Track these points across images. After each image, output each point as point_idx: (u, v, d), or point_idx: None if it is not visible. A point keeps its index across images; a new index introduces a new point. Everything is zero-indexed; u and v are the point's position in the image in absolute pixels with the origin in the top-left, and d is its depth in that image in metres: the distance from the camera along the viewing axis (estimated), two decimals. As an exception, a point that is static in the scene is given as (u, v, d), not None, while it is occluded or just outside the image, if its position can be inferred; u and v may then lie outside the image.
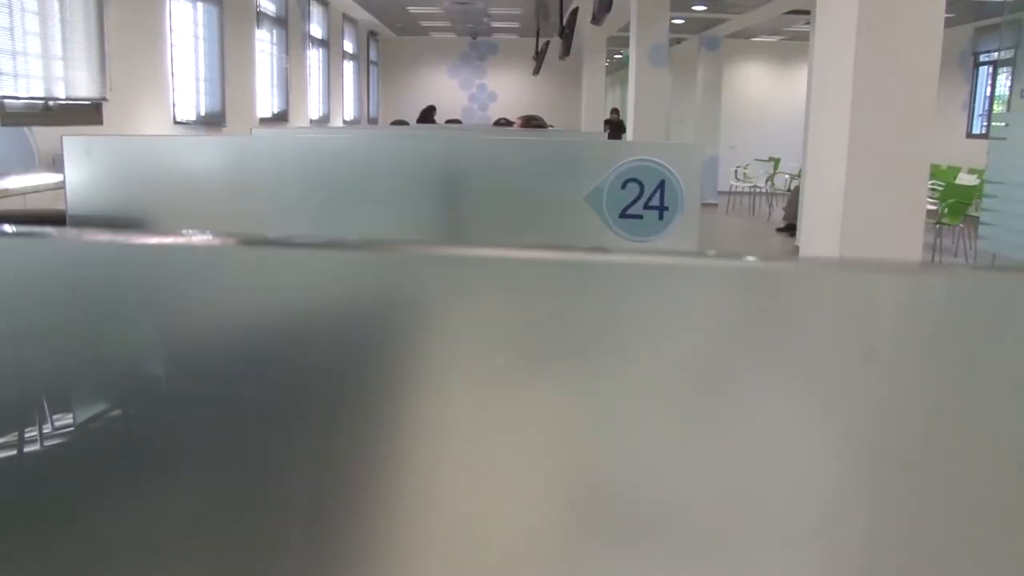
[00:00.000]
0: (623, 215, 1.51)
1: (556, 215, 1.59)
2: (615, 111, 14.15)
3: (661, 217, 1.49)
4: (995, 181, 5.67)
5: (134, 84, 6.09)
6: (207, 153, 1.87)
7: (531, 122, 5.88)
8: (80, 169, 1.85)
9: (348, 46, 13.87)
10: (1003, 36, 11.12)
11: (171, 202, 1.84)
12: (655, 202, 1.49)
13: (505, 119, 8.59)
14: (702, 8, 11.22)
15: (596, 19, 6.59)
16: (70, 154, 1.85)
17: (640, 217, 1.50)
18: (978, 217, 6.42)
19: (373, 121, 15.83)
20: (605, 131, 11.56)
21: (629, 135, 8.09)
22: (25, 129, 4.67)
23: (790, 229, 9.76)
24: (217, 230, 0.46)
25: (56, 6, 4.98)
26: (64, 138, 1.85)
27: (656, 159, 1.47)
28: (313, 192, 1.73)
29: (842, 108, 3.27)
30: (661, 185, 1.48)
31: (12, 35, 4.56)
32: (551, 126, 8.17)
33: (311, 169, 1.74)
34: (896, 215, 3.30)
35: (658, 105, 7.99)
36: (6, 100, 4.48)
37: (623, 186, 1.50)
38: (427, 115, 11.42)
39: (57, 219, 1.92)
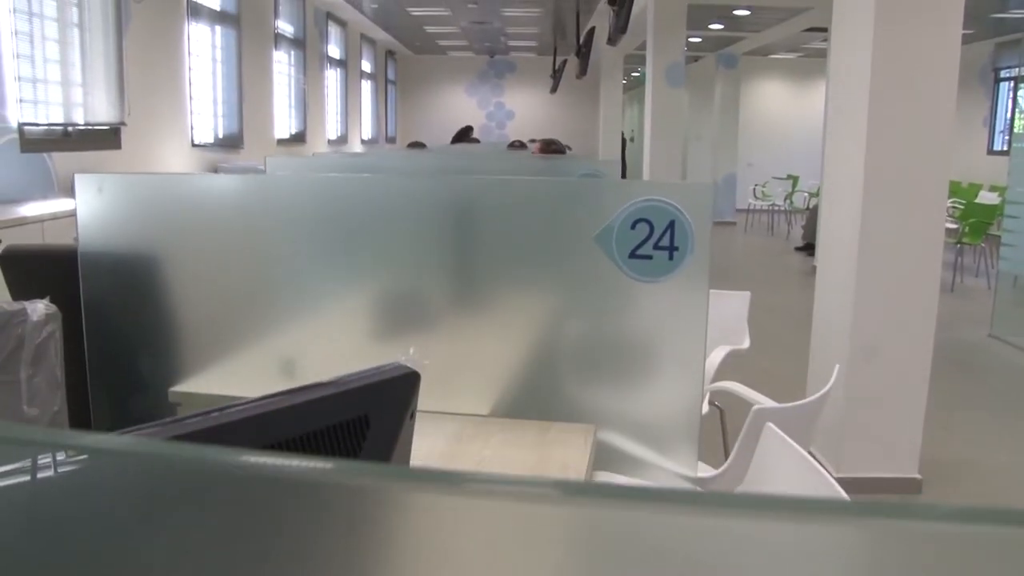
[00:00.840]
0: (633, 255, 1.49)
1: (566, 255, 1.57)
2: None
3: (671, 258, 1.47)
4: (1016, 201, 5.60)
5: (152, 108, 6.14)
6: (217, 190, 1.87)
7: (551, 147, 5.90)
8: (92, 205, 1.86)
9: (366, 66, 13.96)
10: (1024, 52, 11.03)
11: (181, 238, 1.84)
12: (665, 242, 1.47)
13: (519, 141, 8.63)
14: (719, 26, 11.21)
15: (612, 40, 6.59)
16: (82, 191, 1.85)
17: (650, 257, 1.48)
18: (999, 237, 6.33)
19: (391, 140, 15.90)
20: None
21: (645, 155, 8.05)
22: (44, 155, 4.72)
23: (809, 248, 9.68)
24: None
25: (75, 33, 5.04)
26: (76, 175, 1.85)
27: (666, 199, 1.45)
28: (321, 229, 1.73)
29: (858, 127, 3.24)
30: (671, 225, 1.46)
31: (32, 63, 4.61)
32: (569, 148, 8.19)
33: (321, 207, 1.74)
34: (914, 235, 3.25)
35: (675, 124, 7.96)
36: (26, 127, 4.53)
37: (633, 226, 1.48)
38: (464, 135, 11.48)
39: (69, 254, 1.93)
